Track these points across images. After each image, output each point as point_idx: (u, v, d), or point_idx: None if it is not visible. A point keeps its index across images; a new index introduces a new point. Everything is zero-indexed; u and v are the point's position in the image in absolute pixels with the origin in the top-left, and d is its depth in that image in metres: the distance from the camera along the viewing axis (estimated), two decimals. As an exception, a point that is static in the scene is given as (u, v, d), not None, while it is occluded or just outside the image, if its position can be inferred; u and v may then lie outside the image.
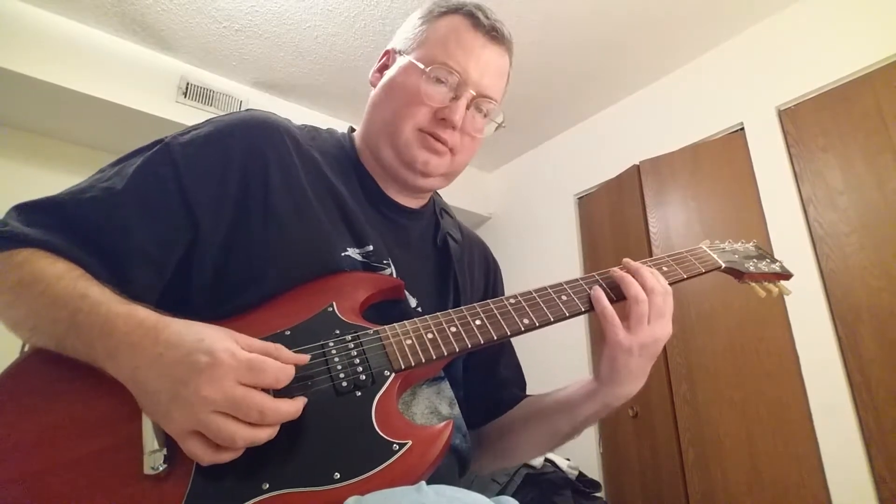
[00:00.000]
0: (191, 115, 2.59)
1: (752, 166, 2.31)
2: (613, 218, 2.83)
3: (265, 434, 0.49)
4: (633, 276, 0.70)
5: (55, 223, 0.59)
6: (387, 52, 0.83)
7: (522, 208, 3.51)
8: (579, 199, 3.15)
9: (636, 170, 2.73)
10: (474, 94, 0.75)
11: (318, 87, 2.86)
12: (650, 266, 0.76)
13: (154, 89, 2.53)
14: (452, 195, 3.47)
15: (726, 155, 2.42)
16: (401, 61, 0.78)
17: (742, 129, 2.40)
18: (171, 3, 2.29)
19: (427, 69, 0.74)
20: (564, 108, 3.09)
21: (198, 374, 0.47)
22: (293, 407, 0.50)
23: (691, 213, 2.47)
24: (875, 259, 1.90)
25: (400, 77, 0.77)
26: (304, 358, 0.55)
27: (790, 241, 2.12)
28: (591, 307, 0.70)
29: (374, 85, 0.82)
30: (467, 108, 0.75)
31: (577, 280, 0.72)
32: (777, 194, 2.21)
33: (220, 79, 2.76)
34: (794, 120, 2.24)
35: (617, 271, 0.72)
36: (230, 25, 2.42)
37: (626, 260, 0.74)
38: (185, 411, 0.47)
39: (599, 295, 0.69)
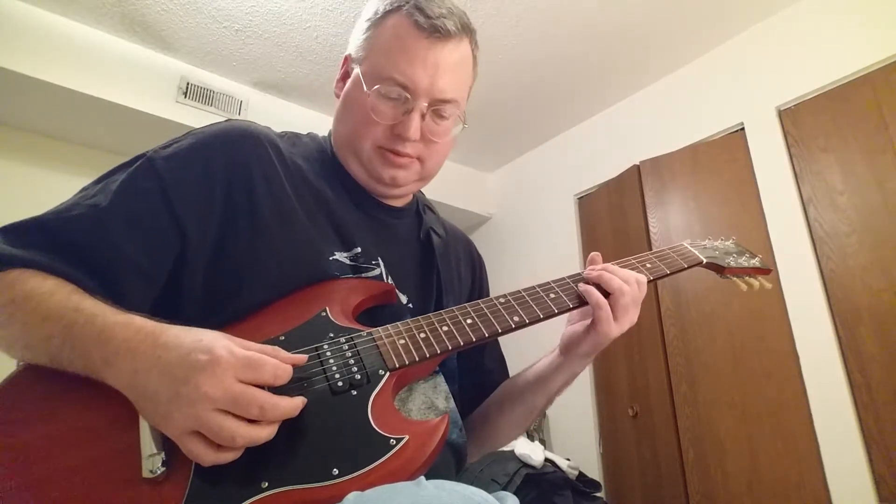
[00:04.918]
0: (191, 116, 2.59)
1: (753, 166, 2.31)
2: (613, 218, 2.83)
3: (265, 433, 0.49)
4: (608, 273, 0.73)
5: (42, 242, 0.59)
6: (345, 59, 0.80)
7: (522, 208, 3.51)
8: (579, 199, 3.14)
9: (636, 170, 2.73)
10: (427, 103, 0.72)
11: (319, 87, 2.86)
12: (634, 262, 0.80)
13: (154, 89, 2.53)
14: (452, 195, 3.47)
15: (726, 155, 2.42)
16: (355, 71, 0.75)
17: (742, 129, 2.40)
18: (171, 3, 2.29)
19: (372, 89, 0.71)
20: (564, 108, 3.09)
21: (197, 372, 0.47)
22: (292, 404, 0.51)
23: (691, 214, 2.47)
24: (875, 259, 1.90)
25: (353, 92, 0.75)
26: (302, 358, 0.55)
27: (790, 242, 2.12)
28: (579, 303, 0.72)
29: (337, 96, 0.80)
30: (423, 118, 0.72)
31: (563, 279, 0.75)
32: (777, 194, 2.21)
33: (220, 79, 2.76)
34: (794, 120, 2.24)
35: (590, 272, 0.74)
36: (230, 25, 2.42)
37: (592, 263, 0.77)
38: (186, 410, 0.47)
39: (591, 289, 0.72)
